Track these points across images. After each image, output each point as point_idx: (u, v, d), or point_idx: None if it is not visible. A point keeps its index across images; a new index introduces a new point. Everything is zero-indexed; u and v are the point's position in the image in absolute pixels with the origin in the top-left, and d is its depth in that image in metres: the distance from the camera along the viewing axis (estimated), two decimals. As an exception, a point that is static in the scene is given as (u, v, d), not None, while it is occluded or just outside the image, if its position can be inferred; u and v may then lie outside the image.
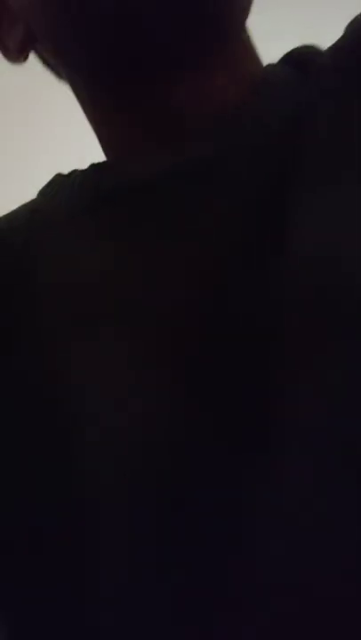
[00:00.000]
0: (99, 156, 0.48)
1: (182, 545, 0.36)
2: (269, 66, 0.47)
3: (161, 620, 0.36)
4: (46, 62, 0.50)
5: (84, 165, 0.47)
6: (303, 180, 0.39)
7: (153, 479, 0.37)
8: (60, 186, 0.47)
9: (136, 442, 0.38)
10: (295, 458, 0.34)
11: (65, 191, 0.46)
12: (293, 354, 0.36)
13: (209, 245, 0.39)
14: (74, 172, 0.48)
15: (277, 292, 0.37)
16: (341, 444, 0.34)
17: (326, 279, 0.36)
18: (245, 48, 0.45)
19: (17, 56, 0.47)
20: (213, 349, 0.38)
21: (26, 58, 0.48)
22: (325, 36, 0.47)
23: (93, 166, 0.46)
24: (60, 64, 0.47)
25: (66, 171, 0.49)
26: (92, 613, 0.37)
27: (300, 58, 0.46)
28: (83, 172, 0.46)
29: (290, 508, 0.34)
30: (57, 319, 0.42)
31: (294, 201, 0.38)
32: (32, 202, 0.49)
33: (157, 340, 0.39)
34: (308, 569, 0.34)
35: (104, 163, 0.46)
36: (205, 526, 0.36)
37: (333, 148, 0.39)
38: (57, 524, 0.39)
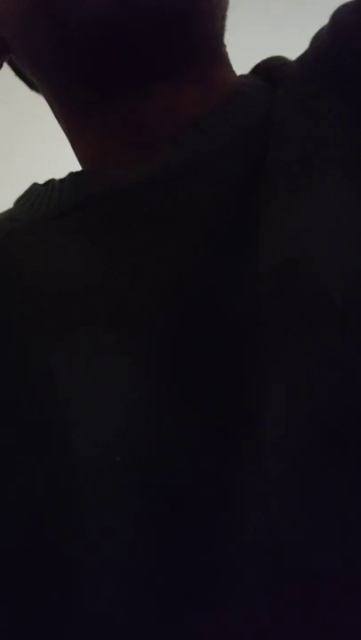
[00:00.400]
0: (75, 163, 0.49)
1: (166, 533, 0.37)
2: (241, 77, 0.48)
3: (148, 608, 0.36)
4: (19, 73, 0.51)
5: (59, 174, 0.48)
6: (274, 183, 0.40)
7: (137, 468, 0.38)
8: (38, 195, 0.47)
9: (120, 434, 0.38)
10: (277, 445, 0.35)
11: (43, 200, 0.47)
12: (270, 347, 0.36)
13: (182, 248, 0.40)
14: (51, 181, 0.49)
15: (251, 291, 0.38)
16: (323, 429, 0.34)
17: (298, 278, 0.37)
18: (219, 61, 0.46)
19: None
20: (191, 344, 0.38)
21: None
22: (293, 48, 0.48)
23: (71, 175, 0.46)
24: (33, 76, 0.48)
25: (42, 180, 0.50)
26: (79, 601, 0.38)
27: (269, 69, 0.47)
28: (60, 180, 0.47)
29: (272, 494, 0.35)
30: (38, 325, 0.42)
31: (265, 204, 0.39)
32: (8, 211, 0.49)
33: (136, 338, 0.39)
34: (292, 555, 0.34)
35: (80, 172, 0.46)
36: (189, 513, 0.37)
37: (301, 153, 0.40)
38: (38, 516, 0.39)
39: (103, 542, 0.38)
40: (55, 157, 0.49)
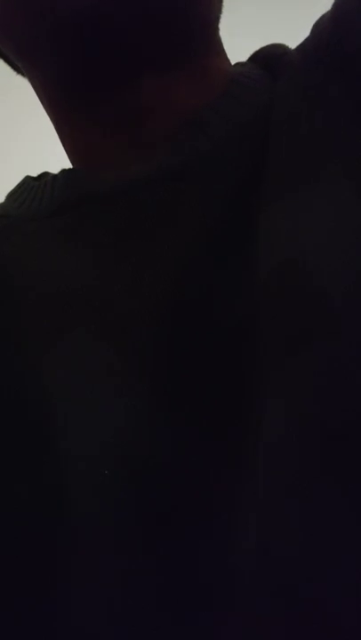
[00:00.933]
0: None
1: (160, 545, 0.36)
2: (238, 65, 0.46)
3: (144, 619, 0.36)
4: (5, 57, 0.49)
5: (52, 164, 0.46)
6: (274, 182, 0.38)
7: (130, 477, 0.37)
8: (30, 191, 0.46)
9: (114, 440, 0.37)
10: (275, 450, 0.34)
11: (35, 196, 0.45)
12: (269, 349, 0.35)
13: (180, 250, 0.39)
14: (44, 175, 0.47)
15: (251, 293, 0.37)
16: (322, 433, 0.33)
17: (297, 279, 0.36)
18: (214, 49, 0.45)
19: None
20: (189, 348, 0.37)
21: None
22: (293, 35, 0.46)
23: (64, 172, 0.45)
24: (20, 61, 0.46)
25: (35, 172, 0.49)
26: (65, 603, 0.37)
27: (268, 57, 0.46)
28: (53, 177, 0.45)
29: (266, 500, 0.34)
30: (31, 327, 0.41)
31: (265, 205, 0.38)
32: (0, 206, 0.48)
33: (131, 341, 0.38)
34: (286, 562, 0.33)
35: (74, 170, 0.45)
36: (183, 524, 0.36)
37: (302, 150, 0.38)
38: (26, 526, 0.38)
39: (94, 555, 0.37)
40: (52, 152, 0.47)
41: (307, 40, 0.43)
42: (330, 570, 0.33)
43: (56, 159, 0.48)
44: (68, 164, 0.46)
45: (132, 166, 0.42)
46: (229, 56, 0.46)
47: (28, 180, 0.48)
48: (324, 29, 0.41)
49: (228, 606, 0.34)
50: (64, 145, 0.47)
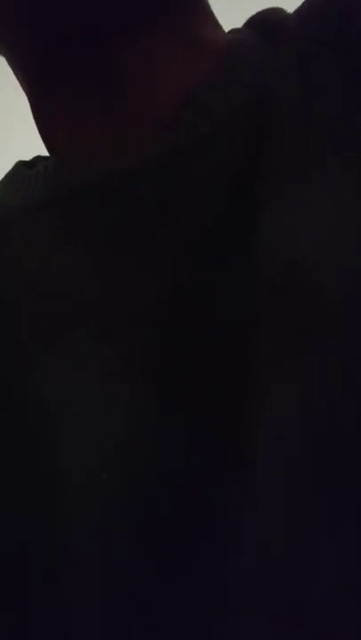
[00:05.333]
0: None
1: (159, 551, 0.35)
2: (233, 32, 0.43)
3: (142, 610, 0.35)
4: None
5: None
6: (276, 171, 0.36)
7: (127, 473, 0.36)
8: (22, 180, 0.44)
9: (111, 439, 0.36)
10: (273, 453, 0.33)
11: (28, 187, 0.43)
12: (269, 349, 0.34)
13: (176, 247, 0.37)
14: (36, 161, 0.45)
15: (251, 292, 0.35)
16: (323, 436, 0.33)
17: (298, 277, 0.34)
18: (204, 15, 0.41)
19: None
20: (189, 349, 0.36)
21: None
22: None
23: (54, 161, 0.42)
24: None
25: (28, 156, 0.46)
26: (65, 610, 0.36)
27: (265, 23, 0.42)
28: (45, 166, 0.43)
29: (266, 504, 0.33)
30: (27, 325, 0.39)
31: (265, 198, 0.36)
32: None
33: (129, 343, 0.37)
34: (285, 567, 0.33)
35: (66, 159, 0.42)
36: (180, 518, 0.35)
37: (302, 137, 0.36)
38: (26, 521, 0.37)
39: (94, 556, 0.36)
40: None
41: (303, 5, 0.40)
42: (330, 570, 0.32)
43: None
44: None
45: (124, 153, 0.39)
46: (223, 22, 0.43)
47: (19, 166, 0.45)
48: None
49: (228, 606, 0.34)
50: (42, 132, 0.43)
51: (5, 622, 0.37)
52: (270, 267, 0.35)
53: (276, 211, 0.35)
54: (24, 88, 0.43)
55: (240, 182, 0.37)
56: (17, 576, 0.37)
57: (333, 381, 0.33)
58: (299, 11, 0.41)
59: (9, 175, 0.46)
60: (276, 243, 0.35)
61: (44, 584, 0.37)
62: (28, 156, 0.47)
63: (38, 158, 0.46)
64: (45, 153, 0.45)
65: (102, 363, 0.37)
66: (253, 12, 0.44)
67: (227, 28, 0.44)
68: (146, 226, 0.38)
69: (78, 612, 0.36)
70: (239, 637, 0.33)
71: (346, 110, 0.36)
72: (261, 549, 0.33)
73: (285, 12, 0.43)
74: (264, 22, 0.43)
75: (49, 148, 0.43)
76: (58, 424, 0.37)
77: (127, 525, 0.36)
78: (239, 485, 0.34)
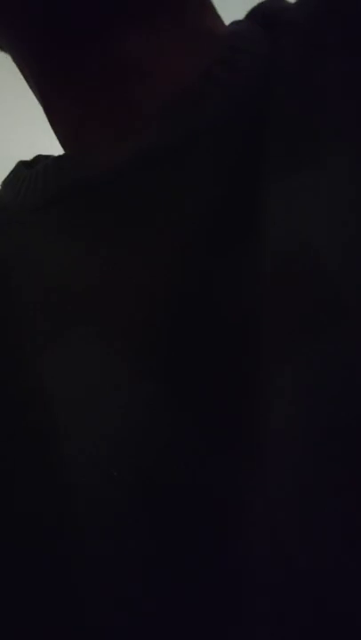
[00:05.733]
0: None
1: (170, 549, 0.35)
2: (234, 25, 0.42)
3: (149, 606, 0.35)
4: None
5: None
6: (276, 161, 0.36)
7: (136, 480, 0.35)
8: (23, 180, 0.43)
9: (116, 442, 0.36)
10: (281, 453, 0.33)
11: (29, 186, 0.43)
12: (270, 341, 0.34)
13: (178, 241, 0.37)
14: (37, 160, 0.45)
15: (250, 281, 0.35)
16: (330, 432, 0.32)
17: (302, 268, 0.34)
18: (204, 5, 0.41)
19: None
20: (192, 343, 0.36)
21: None
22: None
23: (55, 159, 0.42)
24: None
25: (29, 156, 0.46)
26: (71, 598, 0.36)
27: (267, 14, 0.41)
28: (45, 165, 0.42)
29: (277, 503, 0.33)
30: (29, 323, 0.39)
31: (266, 187, 0.35)
32: None
33: (131, 339, 0.37)
34: (297, 568, 0.32)
35: (65, 156, 0.42)
36: (189, 517, 0.35)
37: (305, 127, 0.35)
38: (32, 519, 0.37)
39: (102, 552, 0.36)
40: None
41: None
42: (344, 570, 0.32)
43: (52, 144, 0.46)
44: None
45: (122, 146, 0.39)
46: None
47: (20, 166, 0.45)
48: None
49: (239, 599, 0.33)
50: (55, 130, 0.44)
51: (12, 605, 0.37)
52: (271, 256, 0.34)
53: (277, 200, 0.35)
54: (31, 85, 0.43)
55: (240, 173, 0.36)
56: (22, 572, 0.37)
57: (340, 371, 0.32)
58: (300, 1, 0.40)
59: (10, 175, 0.45)
60: (277, 231, 0.35)
61: (53, 580, 0.36)
62: (28, 156, 0.47)
63: (39, 158, 0.45)
64: (45, 151, 0.45)
65: (105, 357, 0.37)
66: (255, 4, 0.43)
67: (228, 21, 0.43)
68: (146, 219, 0.38)
69: (84, 598, 0.36)
70: (251, 632, 0.33)
71: (347, 100, 0.35)
72: (273, 540, 0.33)
73: (286, 2, 0.42)
74: (265, 13, 0.42)
75: (62, 145, 0.44)
76: (62, 421, 0.37)
77: (135, 524, 0.35)
78: (248, 480, 0.33)
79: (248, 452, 0.34)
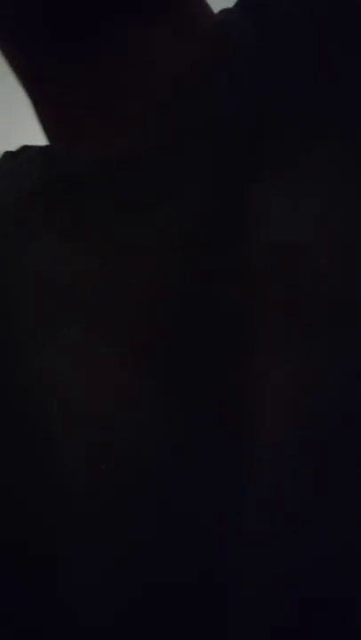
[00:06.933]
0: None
1: (163, 545, 0.35)
2: (223, 14, 0.42)
3: (146, 615, 0.35)
4: None
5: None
6: (268, 157, 0.35)
7: (129, 475, 0.35)
8: (8, 172, 0.43)
9: (110, 429, 0.36)
10: (278, 446, 0.33)
11: (15, 178, 0.42)
12: (267, 340, 0.34)
13: (177, 238, 0.36)
14: (23, 152, 0.44)
15: (247, 276, 0.35)
16: (324, 428, 0.33)
17: (296, 262, 0.34)
18: None
19: None
20: (186, 342, 0.36)
21: None
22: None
23: (41, 150, 0.41)
24: None
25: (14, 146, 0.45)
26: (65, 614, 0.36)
27: (258, 3, 0.41)
28: (31, 156, 0.42)
29: (275, 494, 0.33)
30: (25, 318, 0.39)
31: (259, 180, 0.35)
32: None
33: (124, 337, 0.36)
34: (296, 557, 0.33)
35: (50, 147, 0.41)
36: (186, 523, 0.35)
37: (298, 123, 0.35)
38: (27, 512, 0.37)
39: (94, 543, 0.35)
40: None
41: None
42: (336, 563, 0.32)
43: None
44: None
45: (110, 141, 0.38)
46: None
47: (6, 157, 0.44)
48: None
49: (231, 595, 0.34)
50: (39, 120, 0.42)
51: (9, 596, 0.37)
52: (267, 252, 0.34)
53: (272, 197, 0.35)
54: (17, 74, 0.42)
55: (232, 169, 0.36)
56: (15, 563, 0.37)
57: (332, 365, 0.33)
58: None
59: None
60: (273, 228, 0.35)
61: (45, 569, 0.36)
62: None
63: (24, 148, 0.45)
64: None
65: (101, 351, 0.37)
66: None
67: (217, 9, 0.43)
68: (139, 215, 0.37)
69: (78, 591, 0.35)
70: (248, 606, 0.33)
71: (333, 87, 0.35)
72: (263, 523, 0.33)
73: None
74: (255, 3, 0.41)
75: (47, 137, 0.43)
76: (57, 416, 0.37)
77: (128, 514, 0.35)
78: (240, 473, 0.34)
79: (246, 452, 0.34)
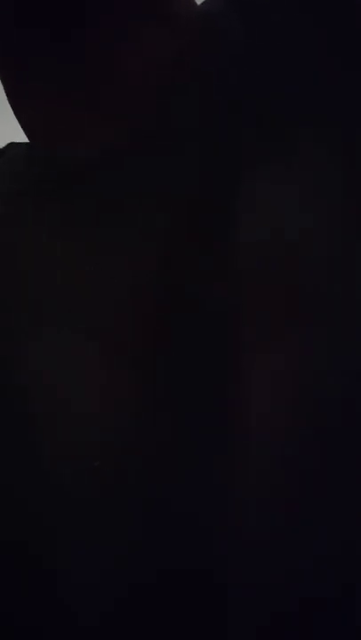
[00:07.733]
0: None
1: (154, 542, 0.35)
2: (206, 5, 0.41)
3: (140, 615, 0.35)
4: None
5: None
6: (253, 152, 0.35)
7: (118, 474, 0.36)
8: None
9: (98, 427, 0.36)
10: (278, 446, 0.34)
11: (1, 177, 0.42)
12: (254, 333, 0.34)
13: (161, 237, 0.36)
14: (9, 149, 0.43)
15: (232, 273, 0.35)
16: (309, 424, 0.33)
17: (281, 259, 0.34)
18: None
19: None
20: (172, 338, 0.36)
21: None
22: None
23: (26, 148, 0.41)
24: None
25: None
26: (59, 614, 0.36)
27: None
28: (15, 154, 0.41)
29: (275, 494, 0.33)
30: (11, 317, 0.39)
31: (244, 176, 0.35)
32: None
33: (110, 335, 0.36)
34: (296, 557, 0.33)
35: (35, 146, 0.41)
36: (178, 519, 0.35)
37: (281, 118, 0.35)
38: (22, 510, 0.37)
39: (90, 540, 0.36)
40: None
41: None
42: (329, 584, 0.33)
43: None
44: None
45: (94, 138, 0.37)
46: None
47: None
48: None
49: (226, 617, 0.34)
50: (19, 119, 0.41)
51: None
52: (252, 249, 0.34)
53: (258, 195, 0.35)
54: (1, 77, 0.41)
55: (218, 168, 0.36)
56: (15, 563, 0.37)
57: (318, 361, 0.33)
58: None
59: None
60: (260, 227, 0.34)
61: (44, 569, 0.36)
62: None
63: (11, 145, 0.44)
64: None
65: (88, 349, 0.37)
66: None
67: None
68: (120, 215, 0.37)
69: (76, 588, 0.36)
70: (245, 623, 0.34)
71: (319, 82, 0.35)
72: (263, 523, 0.33)
73: None
74: None
75: (27, 135, 0.42)
76: (45, 410, 0.37)
77: (120, 512, 0.35)
78: (229, 470, 0.34)
79: (245, 451, 0.34)
